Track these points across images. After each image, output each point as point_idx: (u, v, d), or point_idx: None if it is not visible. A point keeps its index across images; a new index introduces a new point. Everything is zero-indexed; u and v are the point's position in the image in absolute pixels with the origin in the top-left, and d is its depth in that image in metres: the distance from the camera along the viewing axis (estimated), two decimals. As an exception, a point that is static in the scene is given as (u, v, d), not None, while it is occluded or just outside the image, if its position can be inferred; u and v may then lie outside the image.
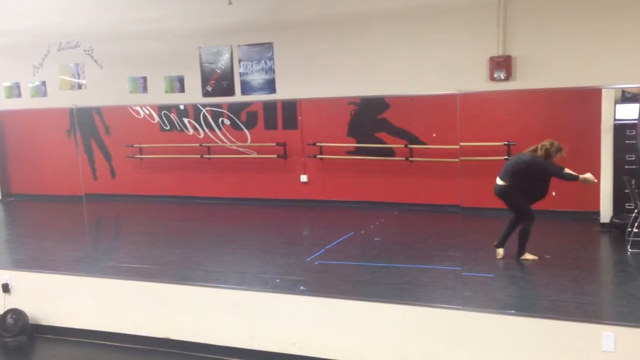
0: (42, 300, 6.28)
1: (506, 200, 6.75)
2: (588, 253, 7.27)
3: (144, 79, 5.77)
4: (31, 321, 6.25)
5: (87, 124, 11.03)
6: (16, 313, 6.22)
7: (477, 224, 8.04)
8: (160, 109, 10.60)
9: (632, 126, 7.56)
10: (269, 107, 9.99)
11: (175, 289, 5.81)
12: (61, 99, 6.16)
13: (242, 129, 10.27)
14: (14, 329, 6.17)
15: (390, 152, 9.45)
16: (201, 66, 5.50)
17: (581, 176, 6.37)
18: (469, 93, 4.77)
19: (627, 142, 7.65)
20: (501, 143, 8.63)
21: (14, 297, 6.36)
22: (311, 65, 5.14)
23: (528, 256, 6.67)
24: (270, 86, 5.30)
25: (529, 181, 6.61)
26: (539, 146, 6.52)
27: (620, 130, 7.68)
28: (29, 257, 7.74)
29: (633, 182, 7.20)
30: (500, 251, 6.83)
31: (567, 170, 6.42)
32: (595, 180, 6.55)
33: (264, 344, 5.40)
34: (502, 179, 6.72)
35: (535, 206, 8.44)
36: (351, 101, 9.35)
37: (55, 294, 6.24)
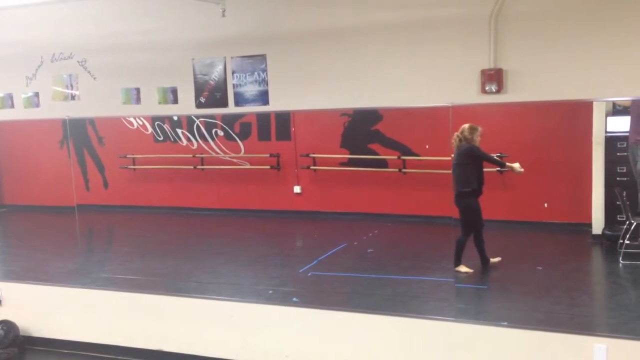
0: (33, 312, 6.24)
1: (459, 205, 6.70)
2: (580, 265, 7.29)
3: (138, 90, 5.78)
4: (22, 333, 6.21)
5: (80, 134, 11.02)
6: (7, 324, 6.18)
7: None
8: (153, 120, 10.60)
9: (624, 138, 7.61)
10: (263, 119, 10.01)
11: (168, 300, 5.79)
12: (54, 110, 6.17)
13: (235, 140, 10.28)
14: (4, 340, 6.12)
15: (383, 164, 9.48)
16: (195, 77, 5.52)
17: (507, 164, 6.65)
18: (461, 105, 4.80)
19: (618, 154, 7.69)
20: (493, 155, 8.66)
21: (5, 308, 6.32)
22: (304, 77, 5.17)
23: (462, 268, 6.63)
24: (263, 98, 5.32)
25: (471, 169, 6.66)
26: (459, 132, 6.65)
27: (612, 142, 7.73)
28: (21, 268, 7.69)
29: (624, 194, 7.23)
30: (495, 260, 6.85)
31: (495, 157, 6.77)
32: (522, 170, 6.75)
33: (257, 356, 5.38)
34: (454, 188, 6.74)
35: (529, 218, 8.52)
36: (344, 113, 9.38)
37: (47, 306, 6.20)
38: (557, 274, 6.67)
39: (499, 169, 8.27)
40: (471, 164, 6.66)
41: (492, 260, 6.86)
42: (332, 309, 5.33)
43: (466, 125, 6.61)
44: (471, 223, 6.69)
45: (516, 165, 6.76)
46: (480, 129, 6.66)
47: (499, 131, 8.69)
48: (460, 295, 5.96)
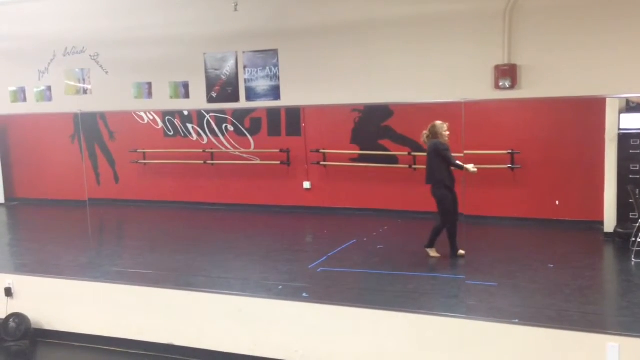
0: (44, 305, 6.27)
1: (435, 197, 7.17)
2: (592, 263, 7.25)
3: (149, 84, 5.79)
4: (34, 326, 6.25)
5: (91, 129, 11.06)
6: (19, 317, 6.22)
7: (481, 232, 8.04)
8: (164, 114, 10.62)
9: (637, 136, 7.56)
10: (273, 114, 10.00)
11: (179, 294, 5.80)
12: (66, 104, 6.18)
13: (245, 135, 10.29)
14: (16, 333, 6.17)
15: (393, 160, 9.45)
16: (206, 72, 5.52)
17: (465, 166, 7.03)
18: (474, 101, 4.77)
19: (631, 151, 7.65)
20: (505, 151, 8.63)
21: (17, 301, 6.36)
22: (316, 72, 5.15)
23: (432, 252, 7.20)
24: (274, 93, 5.30)
25: (439, 164, 7.10)
26: (428, 129, 7.19)
27: (625, 139, 7.68)
28: (32, 262, 7.74)
29: (637, 191, 7.19)
30: (462, 252, 7.13)
31: (457, 161, 7.09)
32: (475, 170, 7.06)
33: (267, 351, 5.39)
34: (427, 181, 7.19)
35: (540, 215, 8.48)
36: (355, 108, 9.36)
37: (58, 299, 6.24)
38: (568, 271, 6.64)
39: (510, 165, 8.37)
40: (439, 158, 7.10)
41: (460, 252, 7.15)
42: (342, 304, 5.32)
43: (441, 122, 7.10)
44: (448, 213, 7.05)
45: (470, 167, 7.04)
46: (445, 125, 7.10)
47: (512, 127, 8.66)
48: (470, 292, 5.93)
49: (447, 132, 7.14)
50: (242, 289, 6.29)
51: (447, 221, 7.13)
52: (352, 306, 5.28)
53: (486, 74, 4.55)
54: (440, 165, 7.10)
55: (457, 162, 7.07)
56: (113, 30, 5.79)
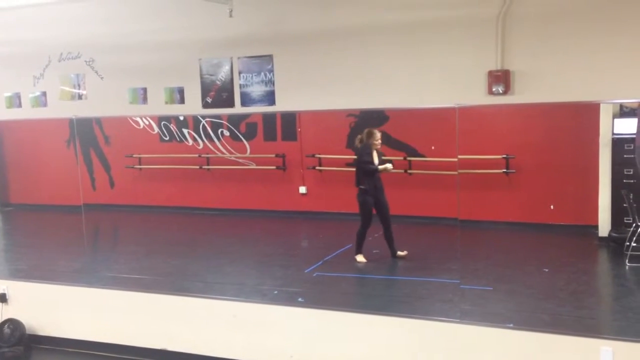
0: (39, 311, 6.26)
1: (357, 200, 7.35)
2: (586, 267, 7.27)
3: (144, 89, 5.79)
4: (28, 331, 6.23)
5: (86, 134, 11.05)
6: (13, 323, 6.20)
7: (475, 236, 8.05)
8: (159, 119, 10.62)
9: (631, 140, 7.59)
10: (269, 119, 10.01)
11: (173, 300, 5.80)
12: (61, 109, 6.18)
13: (241, 140, 10.29)
14: (11, 339, 6.15)
15: (389, 165, 9.46)
16: (201, 77, 5.53)
17: (380, 167, 7.27)
18: (468, 107, 4.79)
19: (625, 156, 7.68)
20: (499, 156, 8.66)
21: (12, 307, 6.34)
22: (311, 78, 5.17)
23: (359, 257, 7.36)
24: (270, 98, 5.32)
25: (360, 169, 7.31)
26: (362, 135, 7.40)
27: (619, 144, 7.71)
28: (27, 267, 7.72)
29: (631, 196, 7.21)
30: (402, 253, 7.42)
31: (371, 165, 7.27)
32: (391, 166, 7.44)
33: (261, 356, 5.38)
34: (356, 184, 7.36)
35: (535, 219, 8.50)
36: (350, 113, 9.38)
37: (53, 305, 6.22)
38: (563, 276, 6.66)
39: (504, 170, 8.42)
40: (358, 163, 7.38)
41: (400, 253, 7.39)
42: (337, 309, 5.32)
43: (371, 130, 7.32)
44: (365, 218, 7.33)
45: (387, 166, 7.33)
46: (377, 134, 7.32)
47: (506, 133, 8.69)
48: (465, 296, 5.94)
49: (379, 141, 7.32)
50: (237, 294, 6.29)
51: (365, 225, 7.31)
52: (348, 311, 5.28)
53: (479, 80, 4.57)
54: (364, 171, 7.31)
55: (371, 166, 7.23)
56: (108, 35, 5.80)
